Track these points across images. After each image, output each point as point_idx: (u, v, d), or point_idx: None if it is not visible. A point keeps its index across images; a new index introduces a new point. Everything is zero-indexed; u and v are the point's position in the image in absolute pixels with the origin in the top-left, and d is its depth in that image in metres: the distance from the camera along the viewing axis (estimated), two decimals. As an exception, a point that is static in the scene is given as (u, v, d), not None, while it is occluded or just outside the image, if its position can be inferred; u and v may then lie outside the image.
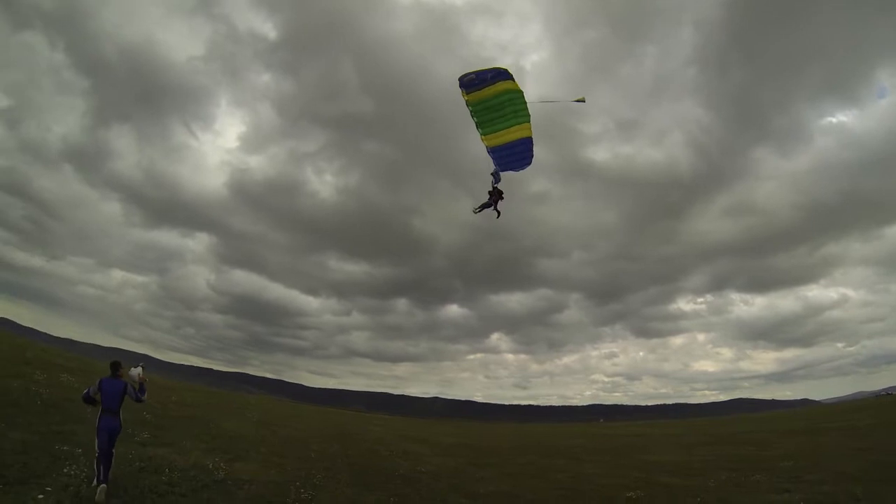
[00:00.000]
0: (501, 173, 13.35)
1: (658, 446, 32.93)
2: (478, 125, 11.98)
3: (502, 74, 11.14)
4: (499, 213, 14.44)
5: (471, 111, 11.85)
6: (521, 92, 11.27)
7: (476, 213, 14.46)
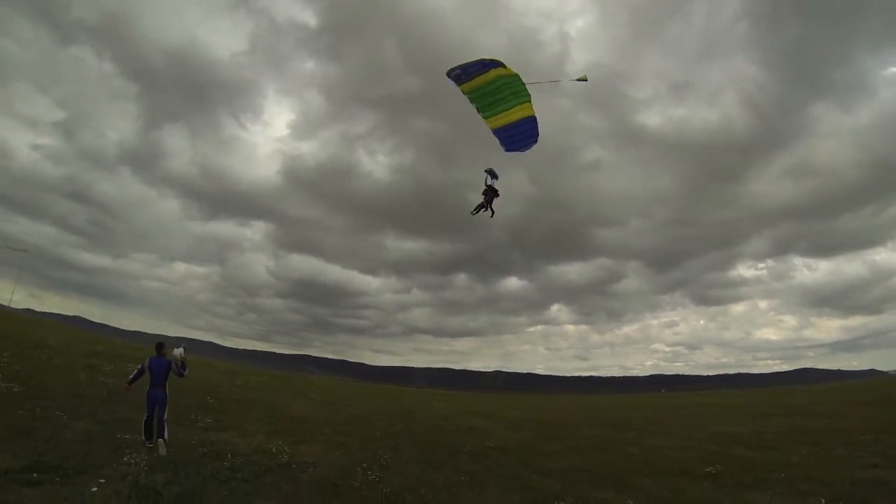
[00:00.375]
0: (508, 152, 13.10)
1: (725, 417, 31.83)
2: (478, 110, 12.05)
3: (493, 63, 11.11)
4: (493, 212, 14.49)
5: (469, 98, 11.90)
6: (516, 75, 11.24)
7: (473, 214, 14.59)
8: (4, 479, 7.99)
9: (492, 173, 14.28)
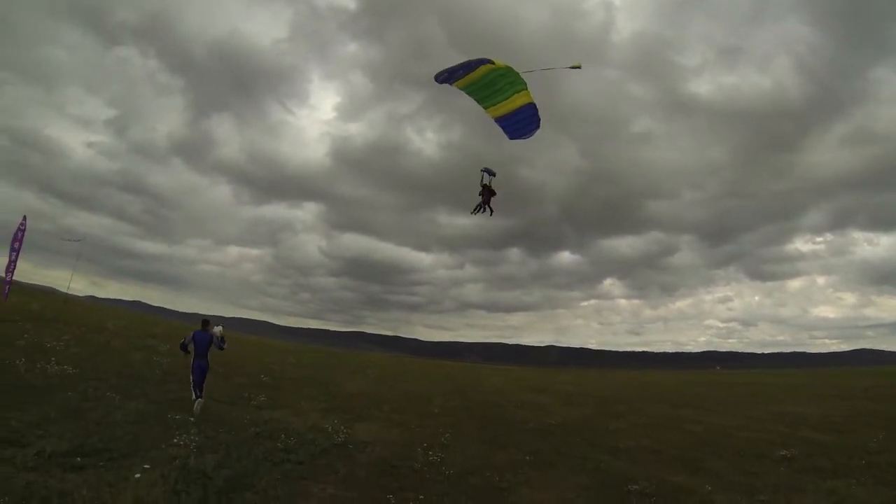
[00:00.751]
0: (513, 140, 13.02)
1: (787, 397, 30.24)
2: (477, 101, 12.08)
3: (482, 61, 11.10)
4: (491, 210, 14.53)
5: (466, 93, 11.90)
6: (508, 67, 11.21)
7: (473, 214, 14.62)
8: (49, 463, 7.59)
9: (489, 172, 14.26)
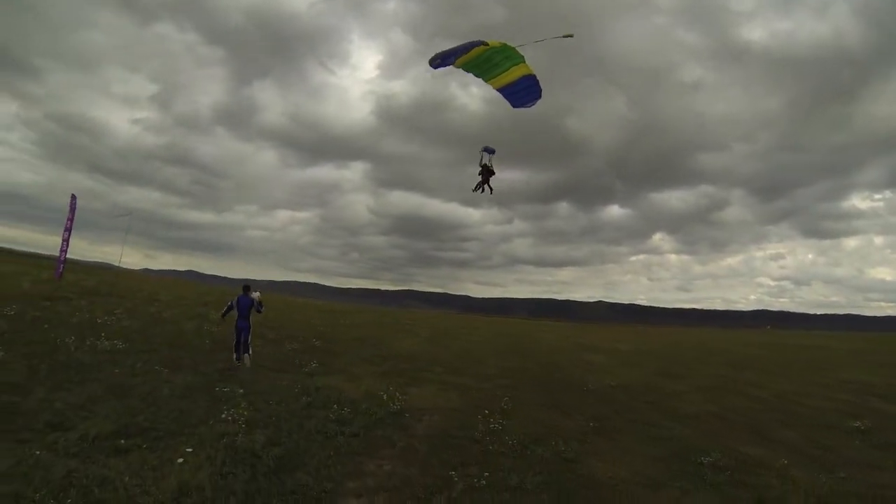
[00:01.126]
0: (517, 108, 13.26)
1: (848, 363, 28.85)
2: (477, 76, 12.42)
3: (475, 43, 11.24)
4: (491, 189, 14.87)
5: (465, 70, 12.13)
6: (503, 44, 11.45)
7: (474, 192, 14.94)
8: (92, 447, 7.26)
9: (489, 150, 14.57)
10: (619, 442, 10.56)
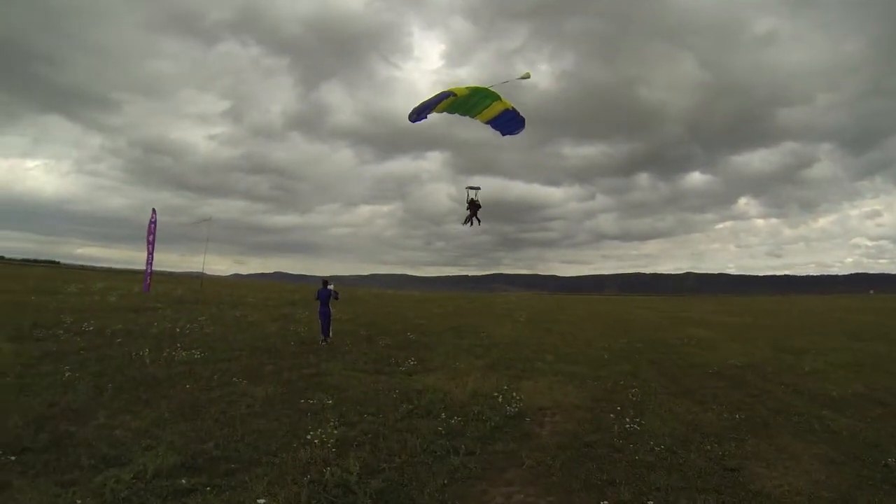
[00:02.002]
0: (508, 135, 14.37)
1: None
2: (462, 115, 13.41)
3: (444, 95, 11.96)
4: (479, 221, 15.99)
5: (448, 113, 13.10)
6: (473, 88, 12.41)
7: (463, 225, 16.01)
8: (146, 489, 5.79)
9: (474, 188, 15.92)
10: (776, 440, 8.32)
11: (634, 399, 10.64)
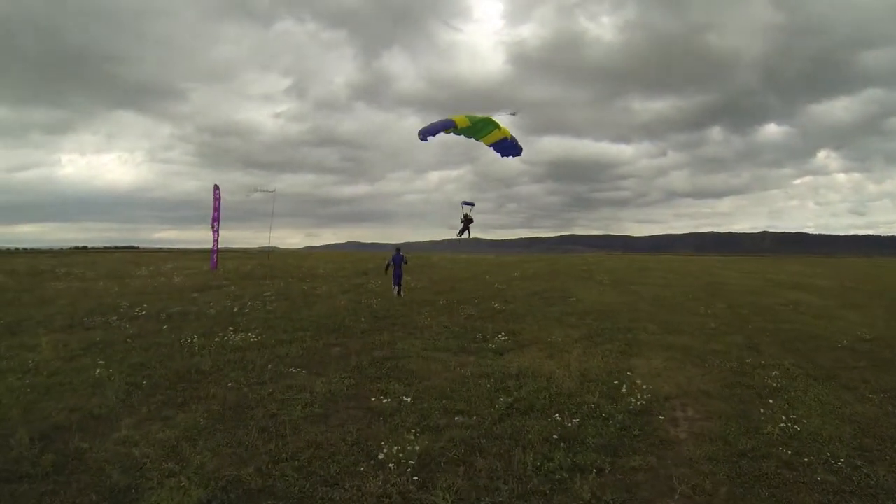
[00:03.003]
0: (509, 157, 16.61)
1: None
2: (467, 137, 15.20)
3: (446, 124, 14.08)
4: (469, 232, 17.70)
5: (457, 133, 14.65)
6: (474, 118, 14.46)
7: (458, 237, 17.98)
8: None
9: (468, 203, 17.61)
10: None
11: (776, 385, 8.23)
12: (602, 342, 11.43)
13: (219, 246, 26.97)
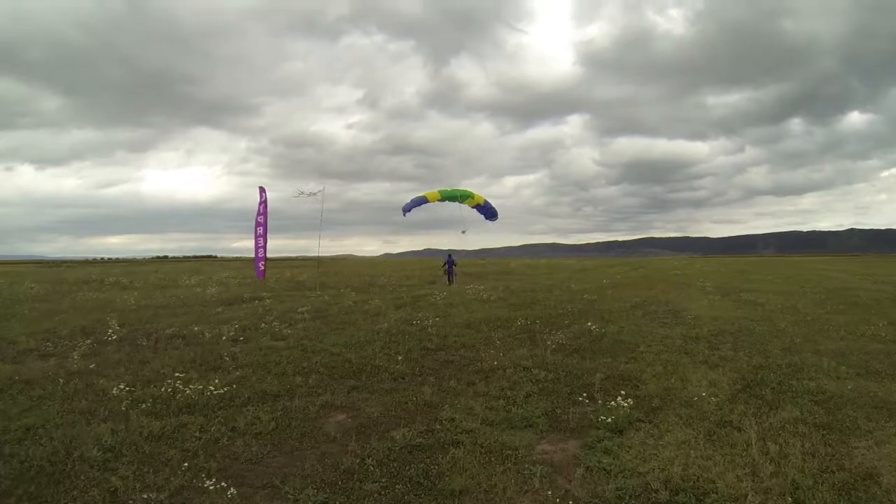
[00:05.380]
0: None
1: None
2: (452, 201, 20.12)
3: (421, 201, 19.79)
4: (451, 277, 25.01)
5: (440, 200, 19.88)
6: (444, 192, 19.94)
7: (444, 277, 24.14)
8: None
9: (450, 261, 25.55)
10: None
11: None
12: (774, 397, 6.43)
13: (266, 253, 23.25)
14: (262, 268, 23.13)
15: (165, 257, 63.66)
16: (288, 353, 9.25)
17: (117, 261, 52.92)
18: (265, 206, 23.05)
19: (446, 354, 9.23)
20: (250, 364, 8.32)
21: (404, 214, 20.21)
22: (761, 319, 12.72)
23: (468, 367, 8.34)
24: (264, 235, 22.99)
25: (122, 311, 15.07)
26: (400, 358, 8.79)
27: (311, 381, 7.42)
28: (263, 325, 12.15)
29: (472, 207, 20.50)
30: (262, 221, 22.94)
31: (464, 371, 8.06)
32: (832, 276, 29.95)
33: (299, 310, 14.59)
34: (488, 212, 21.48)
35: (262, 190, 23.27)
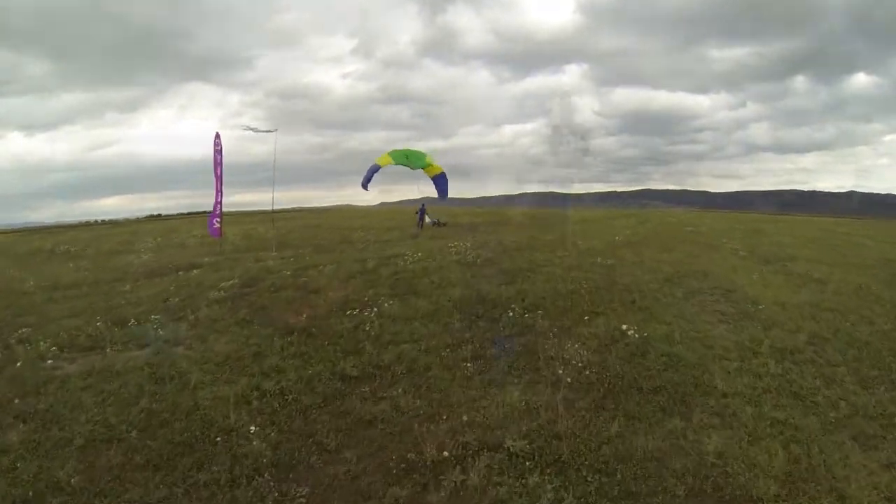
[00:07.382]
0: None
1: None
2: (407, 166, 19.19)
3: (372, 170, 18.90)
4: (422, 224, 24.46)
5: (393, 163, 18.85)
6: (396, 152, 18.64)
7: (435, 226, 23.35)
8: None
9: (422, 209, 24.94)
10: None
11: None
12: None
13: (222, 209, 19.46)
14: (218, 225, 19.39)
15: (159, 216, 60.41)
16: (116, 391, 5.66)
17: (111, 222, 49.64)
18: (220, 156, 19.19)
19: (363, 406, 5.43)
20: (38, 415, 4.78)
21: (365, 188, 19.38)
22: (845, 310, 9.03)
23: (422, 391, 4.74)
24: (219, 188, 19.24)
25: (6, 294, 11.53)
26: (317, 382, 5.13)
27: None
28: (154, 315, 8.55)
29: (431, 178, 19.77)
30: (218, 173, 19.14)
31: (409, 415, 4.44)
32: (858, 242, 25.91)
33: (221, 284, 10.99)
34: (442, 189, 20.51)
35: (216, 136, 19.36)
